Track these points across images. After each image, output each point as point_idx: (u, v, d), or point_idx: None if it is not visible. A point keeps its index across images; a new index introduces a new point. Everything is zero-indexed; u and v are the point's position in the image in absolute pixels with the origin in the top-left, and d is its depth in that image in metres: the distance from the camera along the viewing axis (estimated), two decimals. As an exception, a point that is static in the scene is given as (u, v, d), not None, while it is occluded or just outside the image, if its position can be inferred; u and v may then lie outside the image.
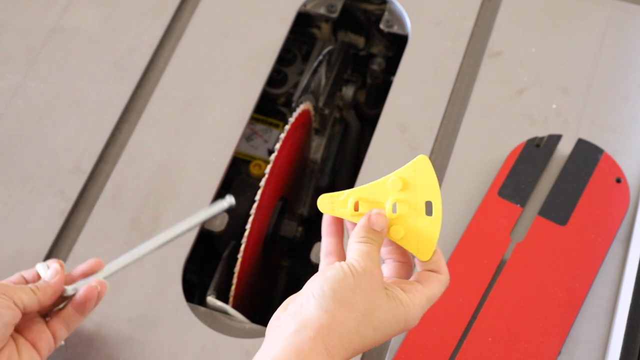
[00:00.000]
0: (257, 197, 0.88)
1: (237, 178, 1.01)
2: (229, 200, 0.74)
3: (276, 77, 1.10)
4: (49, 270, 0.73)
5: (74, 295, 0.73)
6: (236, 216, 0.92)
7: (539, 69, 0.96)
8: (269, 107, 1.12)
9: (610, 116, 0.93)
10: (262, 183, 0.89)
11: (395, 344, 0.80)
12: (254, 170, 1.06)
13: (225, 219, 0.92)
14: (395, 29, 1.03)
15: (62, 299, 0.73)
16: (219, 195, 0.93)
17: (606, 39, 0.98)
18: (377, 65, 1.12)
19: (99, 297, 0.73)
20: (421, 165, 0.68)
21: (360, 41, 1.14)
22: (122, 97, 0.95)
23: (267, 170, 0.89)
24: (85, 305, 0.73)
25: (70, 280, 0.74)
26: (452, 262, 0.83)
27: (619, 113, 0.94)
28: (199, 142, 0.93)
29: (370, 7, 1.10)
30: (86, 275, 0.74)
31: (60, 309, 0.73)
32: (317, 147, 1.12)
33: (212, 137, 0.93)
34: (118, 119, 0.94)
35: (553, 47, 0.98)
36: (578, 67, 0.96)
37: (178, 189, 0.89)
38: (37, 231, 0.85)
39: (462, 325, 0.79)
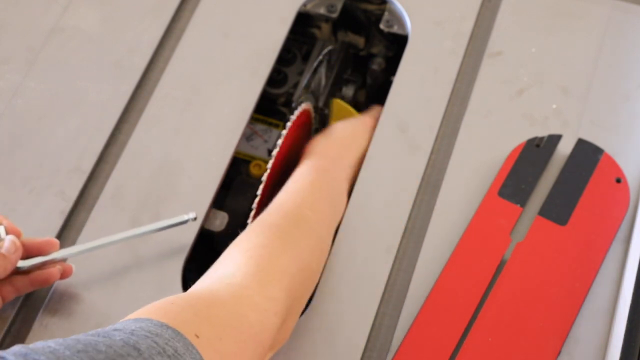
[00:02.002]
0: (259, 192, 0.88)
1: (237, 178, 1.01)
2: (191, 216, 0.84)
3: (276, 77, 1.10)
4: (6, 242, 0.75)
5: (26, 269, 0.77)
6: (236, 216, 0.92)
7: (539, 69, 0.96)
8: (269, 107, 1.11)
9: (610, 116, 0.93)
10: (264, 178, 0.89)
11: (395, 343, 0.80)
12: (254, 170, 1.06)
13: (225, 218, 0.92)
14: (395, 29, 1.03)
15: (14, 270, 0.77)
16: (219, 195, 0.94)
17: (606, 39, 0.98)
18: (377, 65, 1.12)
19: (61, 279, 0.79)
20: (338, 107, 1.07)
21: (360, 41, 1.14)
22: (122, 97, 0.95)
23: (269, 165, 0.90)
24: (42, 284, 0.78)
25: (24, 248, 0.77)
26: (452, 262, 0.83)
27: (619, 113, 0.94)
28: (199, 142, 0.93)
29: (370, 7, 1.10)
30: (38, 250, 0.78)
31: (9, 275, 0.76)
32: (317, 147, 1.12)
33: (212, 137, 0.93)
34: (118, 119, 0.94)
35: (553, 47, 0.98)
36: (578, 67, 0.96)
37: (178, 189, 0.89)
38: (37, 231, 0.85)
39: (462, 325, 0.79)
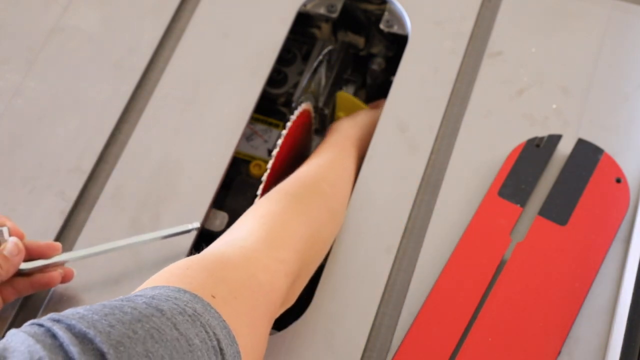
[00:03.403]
0: (259, 192, 0.88)
1: (237, 178, 1.01)
2: (195, 225, 0.84)
3: (276, 77, 1.10)
4: (9, 244, 0.76)
5: (27, 271, 0.78)
6: (236, 216, 0.92)
7: (539, 69, 0.96)
8: (269, 107, 1.12)
9: (610, 116, 0.93)
10: (264, 178, 0.89)
11: (395, 343, 0.80)
12: (254, 170, 1.06)
13: (225, 218, 0.92)
14: (395, 29, 1.03)
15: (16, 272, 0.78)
16: (219, 195, 0.94)
17: (606, 39, 0.98)
18: (377, 65, 1.12)
19: (62, 282, 0.80)
20: (343, 99, 1.09)
21: (360, 41, 1.14)
22: (122, 97, 0.95)
23: (269, 165, 0.90)
24: (42, 287, 0.79)
25: (26, 250, 0.78)
26: (452, 262, 0.83)
27: (619, 113, 0.94)
28: (199, 142, 0.93)
29: (370, 7, 1.10)
30: (40, 253, 0.79)
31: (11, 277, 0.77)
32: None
33: (212, 137, 0.93)
34: (118, 119, 0.94)
35: (553, 47, 0.98)
36: (578, 67, 0.96)
37: (178, 189, 0.89)
38: (37, 231, 0.85)
39: (462, 325, 0.79)
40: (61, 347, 0.51)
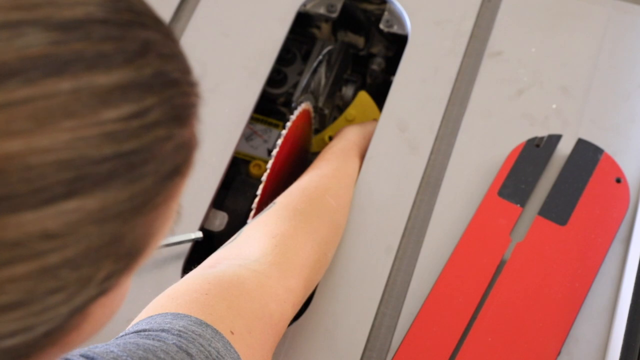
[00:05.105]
0: (259, 192, 0.88)
1: (237, 178, 1.01)
2: (197, 234, 0.85)
3: (276, 77, 1.10)
4: None
5: None
6: (236, 216, 0.92)
7: (539, 69, 0.96)
8: (269, 107, 1.11)
9: (610, 116, 0.93)
10: (264, 178, 0.89)
11: (395, 343, 0.80)
12: (253, 170, 1.06)
13: (225, 218, 0.92)
14: (395, 29, 1.03)
15: None
16: (219, 195, 0.94)
17: (606, 39, 0.98)
18: (377, 65, 1.12)
19: None
20: (362, 99, 1.06)
21: (360, 41, 1.14)
22: (122, 97, 0.95)
23: (269, 165, 0.90)
24: None
25: None
26: (452, 262, 0.83)
27: (619, 113, 0.94)
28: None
29: (370, 7, 1.10)
30: None
31: None
32: (317, 147, 1.12)
33: (212, 137, 0.93)
34: (118, 119, 0.94)
35: (553, 47, 0.98)
36: (578, 67, 0.96)
37: (178, 189, 0.89)
38: (36, 231, 0.85)
39: (462, 325, 0.79)
40: None
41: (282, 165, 0.95)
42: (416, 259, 0.85)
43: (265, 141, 1.11)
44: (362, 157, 0.95)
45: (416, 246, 0.86)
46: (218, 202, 0.95)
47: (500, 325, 0.79)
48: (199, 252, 0.90)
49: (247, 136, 1.11)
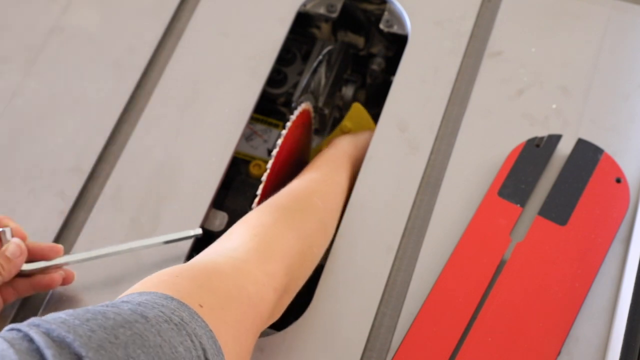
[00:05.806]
0: (258, 192, 0.88)
1: (237, 178, 1.01)
2: (197, 231, 0.84)
3: (276, 77, 1.10)
4: (12, 245, 0.76)
5: (28, 272, 0.78)
6: (236, 216, 0.92)
7: (539, 69, 0.96)
8: (269, 107, 1.12)
9: (610, 116, 0.93)
10: (264, 178, 0.89)
11: (395, 343, 0.80)
12: (253, 170, 1.06)
13: (225, 218, 0.92)
14: (395, 29, 1.03)
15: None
16: (219, 195, 0.94)
17: (606, 39, 0.98)
18: (377, 65, 1.12)
19: (62, 284, 0.80)
20: (356, 111, 1.05)
21: (360, 41, 1.14)
22: (121, 97, 0.95)
23: (269, 165, 0.90)
24: (43, 289, 0.79)
25: (28, 251, 0.78)
26: (452, 262, 0.83)
27: (619, 113, 0.94)
28: (199, 142, 0.93)
29: (370, 7, 1.10)
30: (42, 254, 0.79)
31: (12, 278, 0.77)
32: (317, 147, 1.12)
33: (212, 137, 0.93)
34: (118, 119, 0.94)
35: (553, 47, 0.98)
36: (578, 67, 0.96)
37: (178, 189, 0.89)
38: (37, 231, 0.85)
39: (462, 325, 0.79)
40: (37, 350, 0.50)
41: (282, 165, 0.95)
42: (416, 259, 0.85)
43: (265, 141, 1.11)
44: (356, 167, 0.95)
45: (416, 246, 0.86)
46: (218, 202, 0.96)
47: (500, 325, 0.79)
48: (198, 252, 0.90)
49: (247, 136, 1.11)
